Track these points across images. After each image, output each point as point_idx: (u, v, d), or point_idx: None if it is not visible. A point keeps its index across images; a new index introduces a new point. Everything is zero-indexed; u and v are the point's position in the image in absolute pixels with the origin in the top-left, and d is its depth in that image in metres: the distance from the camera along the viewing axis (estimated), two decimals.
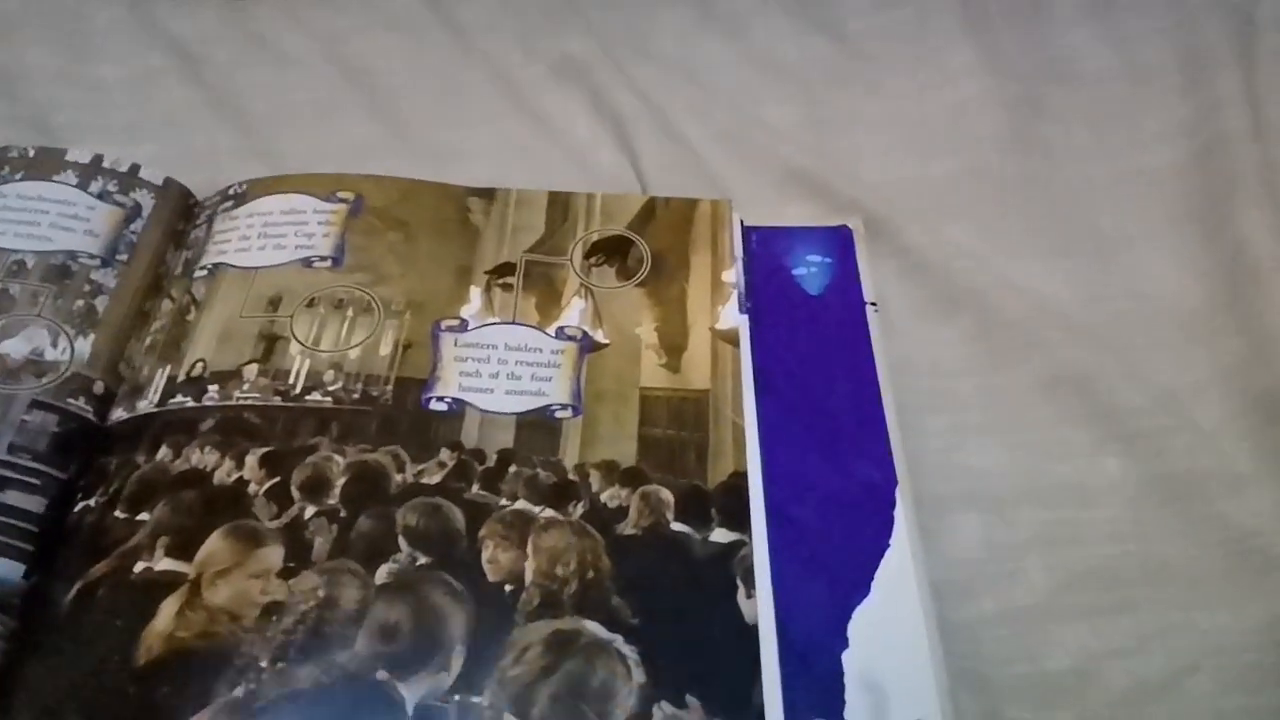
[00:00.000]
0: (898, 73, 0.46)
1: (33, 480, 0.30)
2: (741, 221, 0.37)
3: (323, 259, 0.35)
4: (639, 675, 0.26)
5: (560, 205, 0.38)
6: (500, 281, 0.35)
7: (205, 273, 0.35)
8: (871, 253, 0.38)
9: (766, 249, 0.37)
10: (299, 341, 0.33)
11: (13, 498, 0.29)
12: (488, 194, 0.38)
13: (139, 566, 0.28)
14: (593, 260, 0.36)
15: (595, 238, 0.36)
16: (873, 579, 0.30)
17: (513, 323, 0.34)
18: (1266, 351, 0.35)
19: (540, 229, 0.37)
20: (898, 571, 0.30)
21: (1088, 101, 0.46)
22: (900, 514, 0.31)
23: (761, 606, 0.28)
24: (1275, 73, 0.46)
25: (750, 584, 0.28)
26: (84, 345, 0.33)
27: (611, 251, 0.36)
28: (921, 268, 0.38)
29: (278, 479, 0.30)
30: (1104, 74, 0.47)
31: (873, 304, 0.36)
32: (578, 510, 0.30)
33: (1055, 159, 0.43)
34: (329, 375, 0.33)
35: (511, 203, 0.38)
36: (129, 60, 0.45)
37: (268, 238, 0.36)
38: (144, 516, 0.29)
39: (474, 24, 0.48)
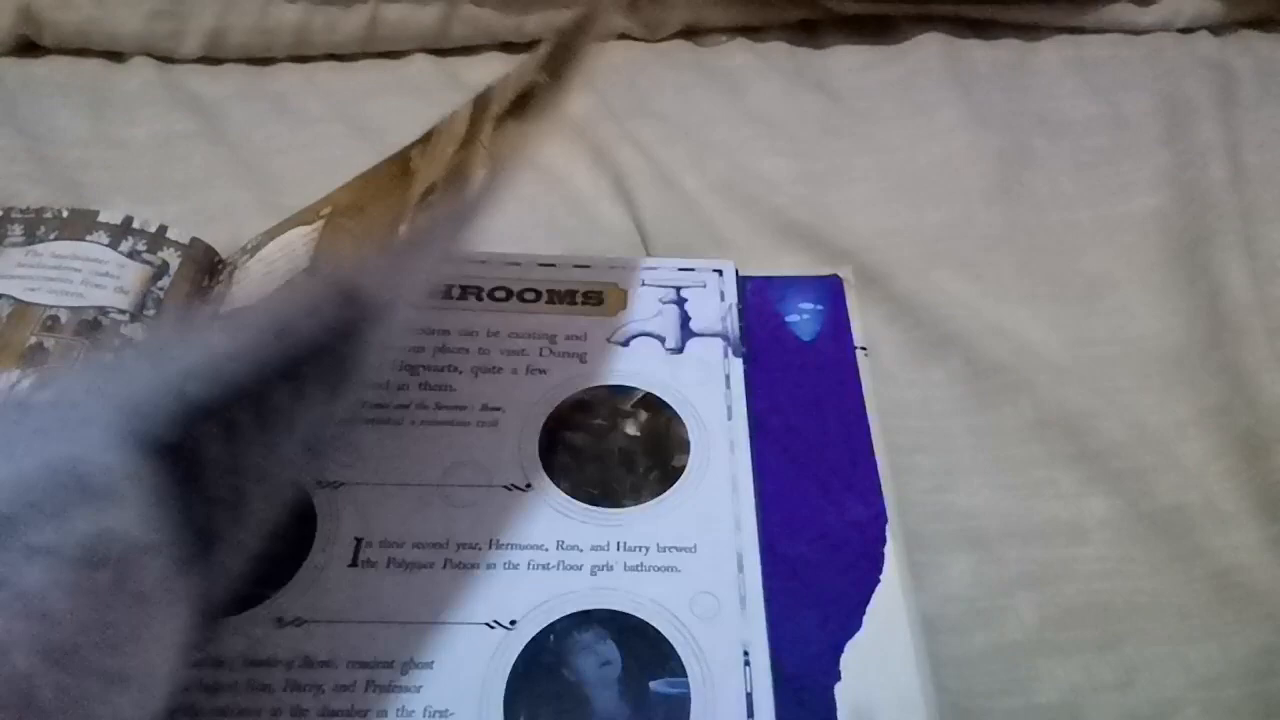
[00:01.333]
0: (888, 127, 0.48)
1: None
2: (737, 271, 0.39)
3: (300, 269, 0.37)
4: None
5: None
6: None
7: None
8: (862, 299, 0.39)
9: (760, 297, 0.38)
10: None
11: None
12: (426, 137, 0.36)
13: None
14: None
15: None
16: (864, 613, 0.31)
17: None
18: (1245, 392, 0.36)
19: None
20: (889, 606, 0.31)
21: (1072, 151, 0.48)
22: (890, 550, 0.32)
23: (755, 637, 0.29)
24: (1254, 122, 0.48)
25: None
26: None
27: None
28: (910, 313, 0.40)
29: None
30: (1088, 125, 0.49)
31: (863, 349, 0.37)
32: None
33: (1041, 207, 0.45)
34: None
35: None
36: (155, 122, 0.48)
37: (269, 275, 0.38)
38: None
39: (482, 85, 0.50)
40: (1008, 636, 0.32)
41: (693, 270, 0.39)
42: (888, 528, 0.32)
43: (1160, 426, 0.36)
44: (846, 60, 0.52)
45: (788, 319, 0.38)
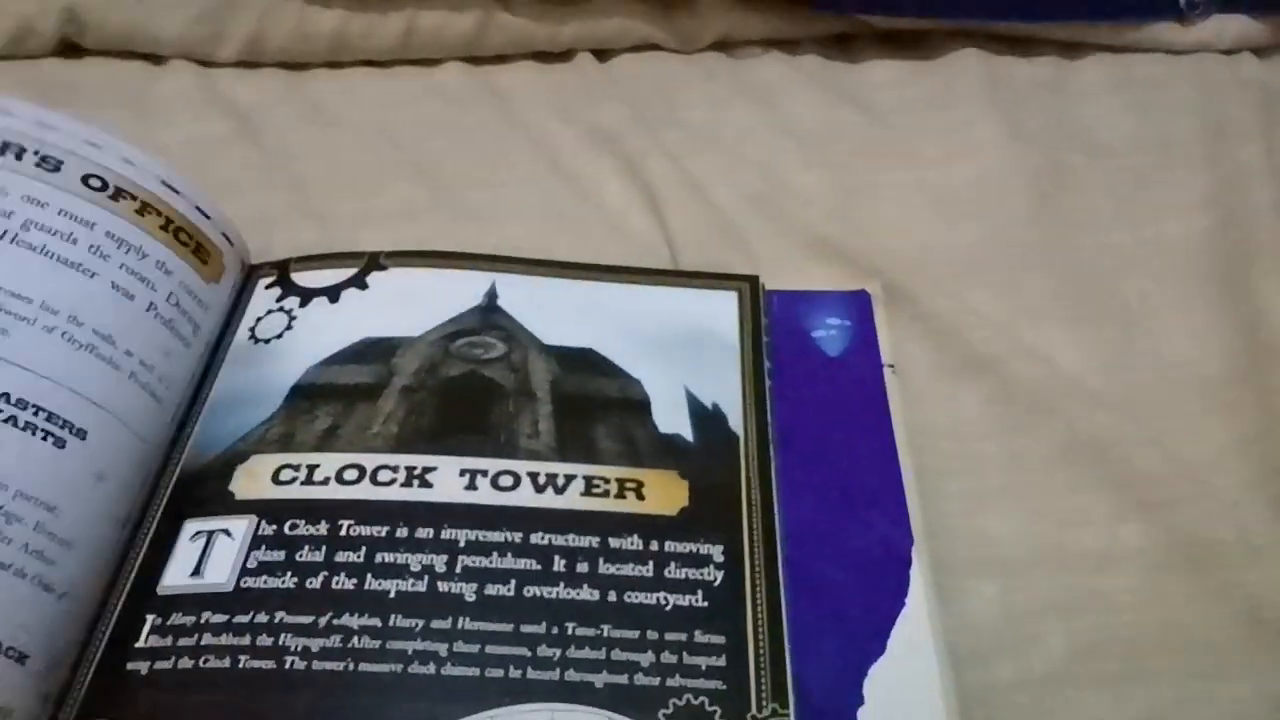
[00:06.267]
0: (922, 143, 0.48)
1: None
2: (764, 285, 0.39)
3: None
4: None
5: None
6: None
7: None
8: (891, 317, 0.39)
9: (787, 312, 0.38)
10: None
11: None
12: None
13: None
14: None
15: None
16: (889, 638, 0.30)
17: None
18: None
19: None
20: (914, 632, 0.30)
21: (1110, 172, 0.47)
22: (916, 573, 0.31)
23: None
24: None
25: None
26: None
27: None
28: (941, 333, 0.39)
29: None
30: (1126, 145, 0.48)
31: (890, 366, 0.37)
32: None
33: (1077, 228, 0.44)
34: None
35: None
36: (191, 126, 0.48)
37: None
38: None
39: (514, 93, 0.51)
40: (1035, 668, 0.31)
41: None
42: (914, 549, 0.32)
43: (1195, 456, 0.35)
44: (881, 75, 0.52)
45: (814, 334, 0.37)
